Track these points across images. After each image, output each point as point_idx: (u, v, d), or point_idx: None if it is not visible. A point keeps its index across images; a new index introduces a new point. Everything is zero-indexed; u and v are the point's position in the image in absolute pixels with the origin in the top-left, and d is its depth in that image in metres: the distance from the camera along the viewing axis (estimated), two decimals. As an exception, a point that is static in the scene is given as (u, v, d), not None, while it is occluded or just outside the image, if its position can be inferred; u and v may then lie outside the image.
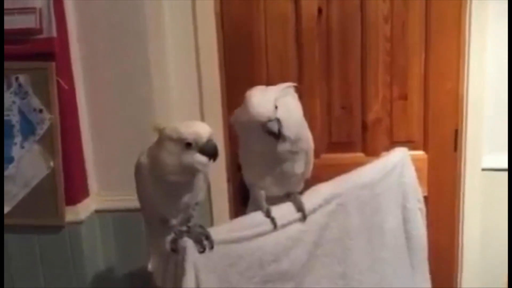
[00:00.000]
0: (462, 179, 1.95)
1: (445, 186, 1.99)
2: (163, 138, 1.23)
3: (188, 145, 1.20)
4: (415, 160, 1.75)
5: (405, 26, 1.89)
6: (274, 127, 1.29)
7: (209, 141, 1.22)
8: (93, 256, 1.94)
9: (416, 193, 1.73)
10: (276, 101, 1.31)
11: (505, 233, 1.94)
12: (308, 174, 1.47)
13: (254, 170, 1.41)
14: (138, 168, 1.29)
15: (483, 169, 1.93)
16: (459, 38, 1.87)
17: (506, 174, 1.91)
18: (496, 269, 1.98)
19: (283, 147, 1.34)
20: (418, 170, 1.75)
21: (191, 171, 1.24)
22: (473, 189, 1.94)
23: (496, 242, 1.96)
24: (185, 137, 1.20)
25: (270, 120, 1.29)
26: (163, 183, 1.25)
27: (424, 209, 1.76)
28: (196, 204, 1.34)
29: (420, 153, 1.97)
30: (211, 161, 1.23)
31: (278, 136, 1.30)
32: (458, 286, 2.01)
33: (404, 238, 1.71)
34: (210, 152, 1.22)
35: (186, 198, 1.29)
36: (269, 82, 1.69)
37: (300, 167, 1.41)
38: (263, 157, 1.36)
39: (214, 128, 1.27)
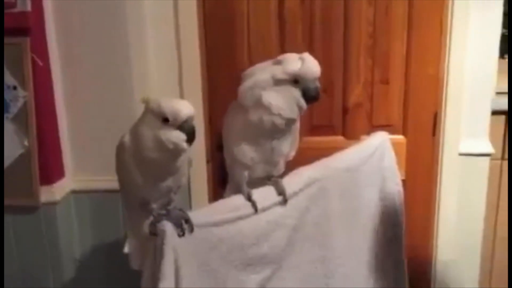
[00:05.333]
0: (439, 164, 1.97)
1: (422, 170, 2.00)
2: (147, 111, 1.21)
3: (165, 121, 1.18)
4: (393, 144, 1.76)
5: (388, 9, 1.88)
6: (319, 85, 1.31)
7: (188, 121, 1.19)
8: (68, 237, 1.91)
9: (395, 176, 1.74)
10: None
11: (480, 218, 1.99)
12: (291, 156, 1.46)
13: (245, 146, 1.36)
14: (120, 148, 1.26)
15: (460, 154, 1.95)
16: (442, 23, 1.87)
17: (482, 159, 1.95)
18: (470, 252, 2.02)
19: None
20: (396, 154, 1.76)
21: (165, 148, 1.20)
22: (450, 173, 1.96)
23: (472, 227, 2.00)
24: (163, 111, 1.18)
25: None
26: (145, 164, 1.22)
27: (402, 192, 1.77)
28: (178, 188, 1.31)
29: (399, 137, 1.98)
30: (188, 144, 1.20)
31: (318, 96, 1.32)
32: (433, 270, 2.05)
33: (382, 222, 1.72)
34: (187, 132, 1.19)
35: (169, 181, 1.27)
36: (251, 63, 1.66)
37: (287, 146, 1.41)
38: (261, 131, 1.33)
39: (194, 108, 1.24)
